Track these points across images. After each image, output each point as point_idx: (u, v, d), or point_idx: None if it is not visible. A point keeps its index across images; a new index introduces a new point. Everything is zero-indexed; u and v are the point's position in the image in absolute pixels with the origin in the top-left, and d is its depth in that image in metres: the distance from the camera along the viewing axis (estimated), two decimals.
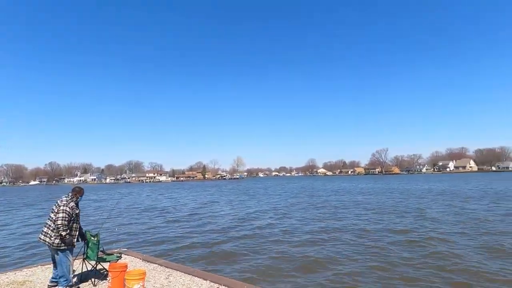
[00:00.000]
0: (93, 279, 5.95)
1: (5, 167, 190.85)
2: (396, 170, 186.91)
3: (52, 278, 5.58)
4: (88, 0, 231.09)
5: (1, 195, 66.44)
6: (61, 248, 5.28)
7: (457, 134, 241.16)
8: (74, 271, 5.78)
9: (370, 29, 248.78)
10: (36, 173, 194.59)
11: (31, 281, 6.14)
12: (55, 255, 5.40)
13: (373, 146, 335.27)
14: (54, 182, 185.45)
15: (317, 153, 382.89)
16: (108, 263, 5.87)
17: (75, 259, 5.91)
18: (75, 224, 5.53)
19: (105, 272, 5.98)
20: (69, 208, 5.37)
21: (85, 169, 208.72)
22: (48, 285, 5.57)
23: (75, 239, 5.58)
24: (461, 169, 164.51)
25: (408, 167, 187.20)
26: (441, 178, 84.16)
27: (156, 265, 7.23)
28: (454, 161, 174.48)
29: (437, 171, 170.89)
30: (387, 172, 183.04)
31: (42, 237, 5.37)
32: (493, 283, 7.43)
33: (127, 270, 5.42)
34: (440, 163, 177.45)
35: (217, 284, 5.76)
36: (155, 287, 5.71)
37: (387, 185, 56.34)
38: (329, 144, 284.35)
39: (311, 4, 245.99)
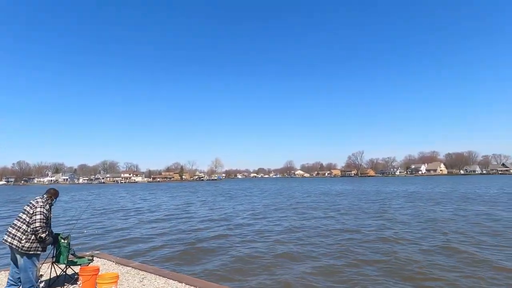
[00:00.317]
0: (62, 284, 5.72)
1: None
2: (371, 172, 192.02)
3: (10, 279, 5.14)
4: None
5: None
6: (30, 252, 4.92)
7: (429, 139, 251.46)
8: (41, 276, 5.51)
9: (348, 32, 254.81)
10: (2, 173, 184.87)
11: None
12: (20, 260, 4.97)
13: (349, 148, 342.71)
14: (22, 182, 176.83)
15: (295, 155, 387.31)
16: (79, 267, 5.64)
17: (43, 263, 5.66)
18: (48, 228, 5.27)
19: (76, 276, 5.77)
20: (45, 210, 5.12)
21: (57, 169, 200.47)
22: None
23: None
24: (432, 172, 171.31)
25: (382, 169, 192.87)
26: (413, 181, 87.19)
27: (130, 268, 7.06)
28: (426, 164, 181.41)
29: (410, 174, 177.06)
30: (362, 175, 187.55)
31: (9, 239, 4.93)
32: (437, 281, 7.83)
33: (99, 273, 5.27)
34: (413, 166, 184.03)
35: (193, 287, 5.70)
36: None
37: (360, 187, 57.76)
38: (307, 146, 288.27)
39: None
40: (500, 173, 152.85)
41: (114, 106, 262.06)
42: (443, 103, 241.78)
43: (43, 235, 4.94)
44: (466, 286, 7.38)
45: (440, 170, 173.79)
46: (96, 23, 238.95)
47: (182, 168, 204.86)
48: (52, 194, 5.47)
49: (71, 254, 5.93)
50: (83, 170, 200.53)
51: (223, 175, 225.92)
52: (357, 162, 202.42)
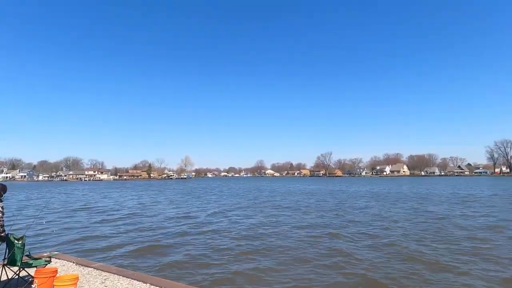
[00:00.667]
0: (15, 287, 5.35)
1: None
2: (339, 173, 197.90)
3: None
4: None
5: None
6: None
7: (394, 141, 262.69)
8: None
9: (316, 35, 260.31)
10: None
11: None
12: None
13: (318, 149, 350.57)
14: None
15: (266, 155, 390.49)
16: (35, 269, 5.29)
17: None
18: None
19: (30, 279, 5.41)
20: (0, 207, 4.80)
21: (14, 165, 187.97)
22: None
23: None
24: (395, 173, 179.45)
25: (350, 170, 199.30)
26: (376, 182, 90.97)
27: (92, 269, 6.75)
28: (390, 165, 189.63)
29: (375, 174, 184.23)
30: (330, 175, 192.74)
31: None
32: (369, 270, 8.42)
33: (57, 275, 4.98)
34: (378, 167, 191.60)
35: (158, 287, 5.55)
36: None
37: (327, 187, 59.54)
38: (277, 146, 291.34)
39: None
40: (456, 175, 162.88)
41: (78, 101, 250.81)
42: (407, 107, 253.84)
43: (3, 234, 4.67)
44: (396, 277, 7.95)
45: (403, 171, 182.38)
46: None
47: (150, 166, 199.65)
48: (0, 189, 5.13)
49: (26, 255, 5.54)
50: (44, 166, 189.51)
51: (193, 173, 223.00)
52: (325, 163, 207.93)
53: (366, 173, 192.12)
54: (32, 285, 4.95)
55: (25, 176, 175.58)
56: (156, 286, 5.59)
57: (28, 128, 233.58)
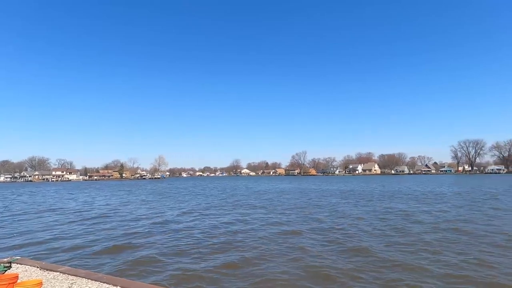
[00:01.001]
0: None
1: None
2: (313, 171, 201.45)
3: None
4: None
5: None
6: None
7: (366, 140, 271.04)
8: None
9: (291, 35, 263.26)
10: None
11: None
12: None
13: (293, 148, 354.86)
14: None
15: (241, 154, 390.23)
16: None
17: None
18: None
19: None
20: None
21: None
22: None
23: None
24: (367, 172, 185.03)
25: (324, 169, 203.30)
26: (348, 180, 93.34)
27: (58, 273, 6.40)
28: (362, 164, 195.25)
29: (348, 173, 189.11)
30: (305, 174, 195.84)
31: None
32: (323, 264, 8.84)
33: (18, 281, 4.68)
34: (351, 166, 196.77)
35: None
36: None
37: (300, 185, 60.53)
38: (253, 146, 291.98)
39: None
40: (424, 173, 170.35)
41: (44, 98, 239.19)
42: (379, 108, 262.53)
43: None
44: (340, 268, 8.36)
45: (375, 170, 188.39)
46: None
47: (122, 165, 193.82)
48: None
49: None
50: (5, 166, 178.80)
51: (167, 173, 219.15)
52: (300, 162, 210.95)
53: (339, 172, 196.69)
54: None
55: None
56: None
57: None
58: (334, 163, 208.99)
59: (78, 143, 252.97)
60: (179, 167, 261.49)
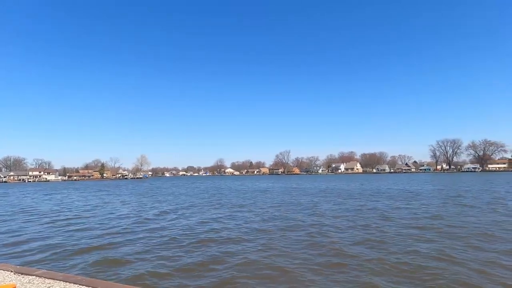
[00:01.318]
0: None
1: None
2: (297, 170, 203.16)
3: None
4: None
5: None
6: None
7: (349, 140, 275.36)
8: None
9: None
10: None
11: None
12: None
13: (277, 148, 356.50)
14: None
15: (225, 153, 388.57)
16: None
17: None
18: None
19: None
20: None
21: None
22: None
23: None
24: (349, 171, 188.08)
25: (307, 168, 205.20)
26: (331, 179, 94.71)
27: (34, 276, 6.20)
28: (345, 163, 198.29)
29: (331, 172, 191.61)
30: (289, 172, 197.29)
31: None
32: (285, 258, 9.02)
33: None
34: (333, 165, 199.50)
35: None
36: None
37: (283, 185, 60.99)
38: (237, 145, 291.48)
39: None
40: (404, 172, 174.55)
41: (19, 95, 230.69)
42: (361, 108, 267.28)
43: None
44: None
45: (357, 168, 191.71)
46: None
47: (103, 165, 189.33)
48: None
49: None
50: None
51: (150, 173, 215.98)
52: (284, 161, 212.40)
53: (322, 170, 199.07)
54: None
55: None
56: None
57: None
58: (318, 162, 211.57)
59: (57, 142, 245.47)
60: (162, 166, 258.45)
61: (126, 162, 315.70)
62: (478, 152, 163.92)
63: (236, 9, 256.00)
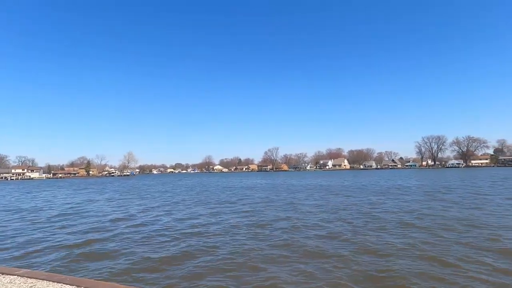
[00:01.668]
0: None
1: None
2: (285, 167, 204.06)
3: None
4: None
5: None
6: None
7: (337, 137, 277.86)
8: None
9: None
10: None
11: None
12: None
13: (266, 144, 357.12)
14: None
15: (214, 150, 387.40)
16: None
17: None
18: None
19: None
20: None
21: None
22: None
23: None
24: (337, 167, 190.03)
25: (295, 164, 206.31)
26: (318, 175, 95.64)
27: (15, 276, 6.06)
28: (332, 160, 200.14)
29: (319, 168, 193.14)
30: (277, 169, 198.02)
31: None
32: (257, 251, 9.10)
33: None
34: (321, 162, 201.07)
35: None
36: None
37: (270, 181, 61.30)
38: (225, 142, 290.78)
39: None
40: (390, 168, 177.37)
41: (0, 91, 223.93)
42: (348, 105, 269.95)
43: None
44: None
45: (344, 165, 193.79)
46: None
47: (89, 162, 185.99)
48: None
49: None
50: None
51: (137, 170, 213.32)
52: (272, 158, 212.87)
53: (310, 167, 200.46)
54: None
55: None
56: None
57: None
58: (306, 159, 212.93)
59: (41, 139, 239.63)
60: (149, 163, 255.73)
61: (113, 159, 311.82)
62: (462, 148, 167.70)
63: (219, 8, 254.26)
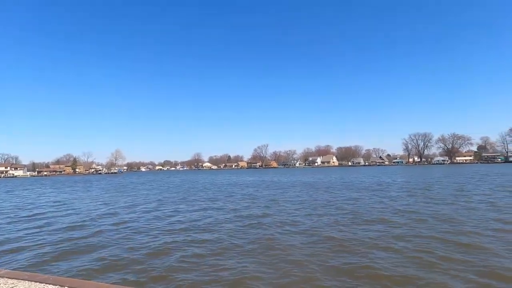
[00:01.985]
0: None
1: None
2: (274, 164, 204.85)
3: None
4: None
5: None
6: None
7: (325, 134, 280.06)
8: None
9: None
10: None
11: None
12: None
13: (255, 141, 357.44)
14: None
15: (203, 148, 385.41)
16: None
17: None
18: None
19: None
20: None
21: None
22: None
23: None
24: (326, 164, 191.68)
25: (284, 161, 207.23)
26: (306, 172, 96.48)
27: None
28: (321, 156, 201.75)
29: (308, 165, 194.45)
30: (267, 166, 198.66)
31: None
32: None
33: None
34: (310, 159, 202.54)
35: None
36: None
37: (260, 178, 61.58)
38: (215, 139, 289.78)
39: None
40: (378, 165, 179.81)
41: None
42: (336, 103, 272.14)
43: None
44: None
45: (333, 162, 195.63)
46: None
47: (75, 160, 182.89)
48: None
49: None
50: None
51: (125, 168, 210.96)
52: (262, 155, 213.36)
53: (299, 164, 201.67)
54: None
55: None
56: None
57: None
58: (295, 156, 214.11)
59: (25, 136, 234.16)
60: (137, 161, 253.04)
61: (100, 156, 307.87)
62: (447, 145, 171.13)
63: (209, 4, 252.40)
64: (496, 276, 7.03)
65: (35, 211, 20.97)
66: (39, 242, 11.59)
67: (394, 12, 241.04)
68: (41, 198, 32.03)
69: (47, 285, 5.46)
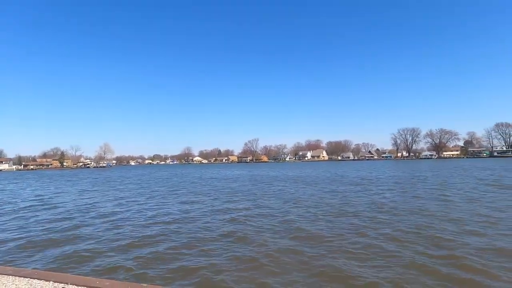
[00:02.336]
0: None
1: None
2: (265, 158, 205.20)
3: None
4: None
5: None
6: None
7: (315, 128, 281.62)
8: None
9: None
10: None
11: None
12: None
13: (246, 136, 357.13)
14: None
15: (193, 142, 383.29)
16: None
17: None
18: None
19: None
20: None
21: None
22: None
23: None
24: (316, 158, 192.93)
25: (275, 156, 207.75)
26: (296, 166, 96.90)
27: None
28: (311, 151, 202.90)
29: (298, 159, 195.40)
30: (257, 160, 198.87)
31: None
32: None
33: None
34: (301, 153, 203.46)
35: (63, 284, 5.27)
36: None
37: (250, 172, 61.83)
38: (205, 133, 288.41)
39: None
40: (367, 159, 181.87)
41: None
42: (327, 98, 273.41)
43: None
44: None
45: (323, 156, 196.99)
46: None
47: (63, 153, 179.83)
48: None
49: None
50: None
51: (114, 162, 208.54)
52: (252, 149, 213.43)
53: (290, 158, 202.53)
54: None
55: None
56: (61, 283, 5.30)
57: None
58: (285, 150, 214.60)
59: (10, 128, 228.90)
60: (127, 155, 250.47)
61: (89, 150, 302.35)
62: (434, 140, 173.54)
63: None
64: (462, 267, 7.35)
65: (22, 205, 20.76)
66: (17, 236, 11.54)
67: (386, 8, 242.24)
68: (27, 192, 31.60)
69: (32, 279, 5.52)
